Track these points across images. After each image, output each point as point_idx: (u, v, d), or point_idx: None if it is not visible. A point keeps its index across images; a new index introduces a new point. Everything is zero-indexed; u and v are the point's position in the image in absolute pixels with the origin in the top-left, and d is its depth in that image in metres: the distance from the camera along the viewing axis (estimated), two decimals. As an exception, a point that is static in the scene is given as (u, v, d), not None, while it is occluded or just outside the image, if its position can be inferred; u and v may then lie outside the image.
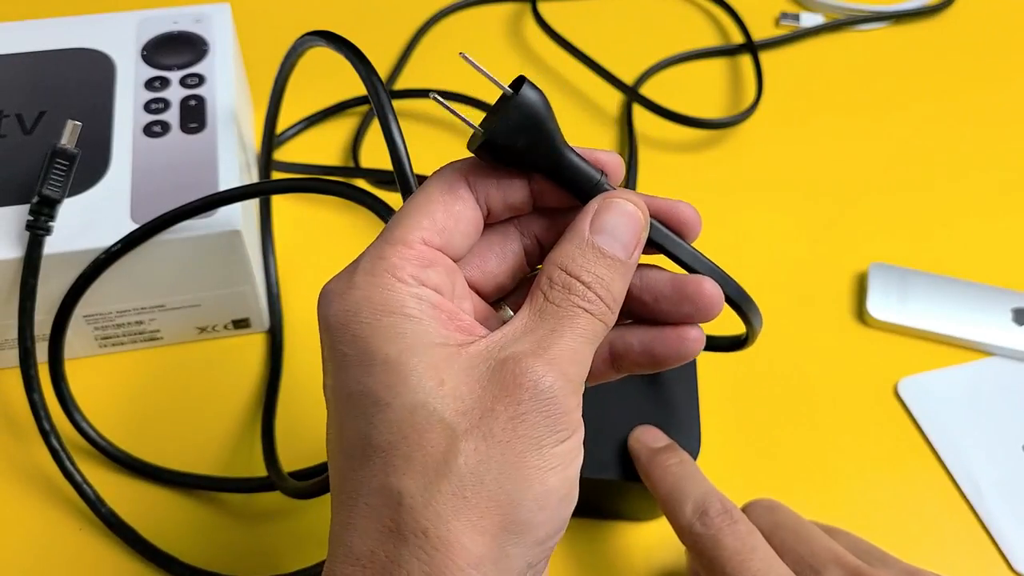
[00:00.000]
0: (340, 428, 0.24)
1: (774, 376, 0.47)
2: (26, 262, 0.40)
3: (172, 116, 0.46)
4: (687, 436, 0.40)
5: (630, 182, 0.54)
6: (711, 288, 0.28)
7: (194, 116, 0.46)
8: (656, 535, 0.42)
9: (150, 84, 0.47)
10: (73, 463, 0.41)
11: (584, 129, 0.58)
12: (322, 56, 0.42)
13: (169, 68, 0.48)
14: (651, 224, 0.27)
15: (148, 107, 0.46)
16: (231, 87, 0.47)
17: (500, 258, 0.29)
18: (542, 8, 0.61)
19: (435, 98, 0.26)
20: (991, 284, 0.50)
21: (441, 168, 0.27)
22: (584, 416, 0.40)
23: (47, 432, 0.41)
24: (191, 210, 0.41)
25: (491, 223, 0.28)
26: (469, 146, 0.26)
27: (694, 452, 0.40)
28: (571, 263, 0.25)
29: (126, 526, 0.40)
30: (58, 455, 0.41)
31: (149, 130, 0.45)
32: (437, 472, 0.23)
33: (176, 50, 0.49)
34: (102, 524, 0.41)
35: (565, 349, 0.24)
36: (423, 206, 0.26)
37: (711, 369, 0.46)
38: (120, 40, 0.49)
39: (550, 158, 0.26)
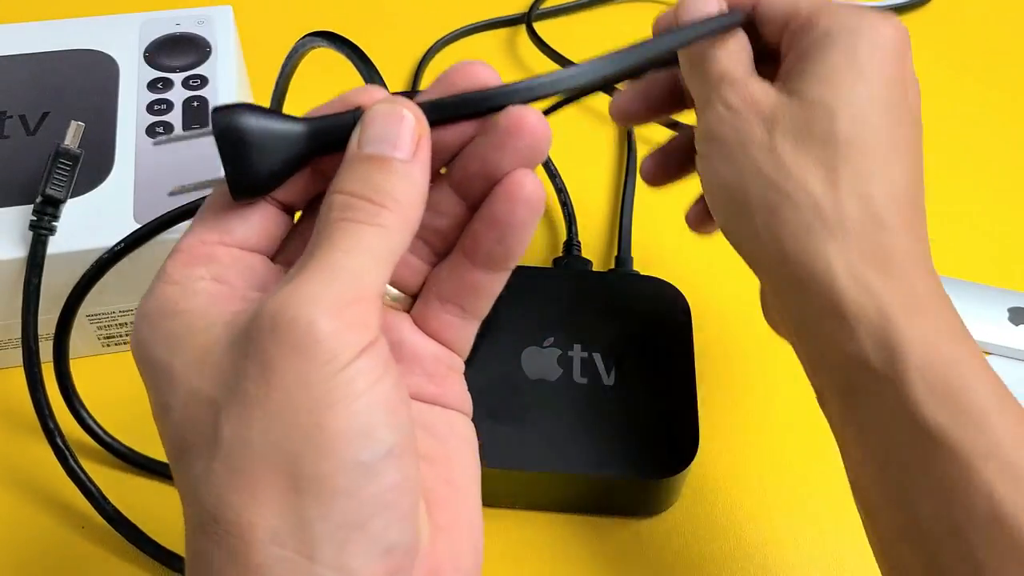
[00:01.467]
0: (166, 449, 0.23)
1: (774, 375, 0.47)
2: (30, 262, 0.41)
3: (175, 117, 0.46)
4: (687, 436, 0.40)
5: (630, 183, 0.54)
6: (515, 111, 0.24)
7: (197, 117, 0.46)
8: (657, 531, 0.42)
9: (153, 85, 0.47)
10: (77, 462, 0.41)
11: (585, 136, 0.58)
12: (324, 58, 0.42)
13: (172, 70, 0.48)
14: (438, 104, 0.24)
15: (151, 108, 0.46)
16: (233, 89, 0.48)
17: None
18: (536, 26, 0.62)
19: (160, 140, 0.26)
20: (987, 284, 0.50)
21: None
22: (581, 416, 0.41)
23: (52, 431, 0.41)
24: (193, 210, 0.41)
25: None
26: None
27: (693, 452, 0.40)
28: (341, 182, 0.23)
29: (130, 523, 0.40)
30: (63, 454, 0.41)
31: (152, 131, 0.45)
32: (210, 452, 0.21)
33: (179, 52, 0.49)
34: (106, 522, 0.41)
35: (320, 270, 0.21)
36: (196, 217, 0.25)
37: (711, 369, 0.46)
38: (123, 42, 0.49)
39: (295, 148, 0.24)
